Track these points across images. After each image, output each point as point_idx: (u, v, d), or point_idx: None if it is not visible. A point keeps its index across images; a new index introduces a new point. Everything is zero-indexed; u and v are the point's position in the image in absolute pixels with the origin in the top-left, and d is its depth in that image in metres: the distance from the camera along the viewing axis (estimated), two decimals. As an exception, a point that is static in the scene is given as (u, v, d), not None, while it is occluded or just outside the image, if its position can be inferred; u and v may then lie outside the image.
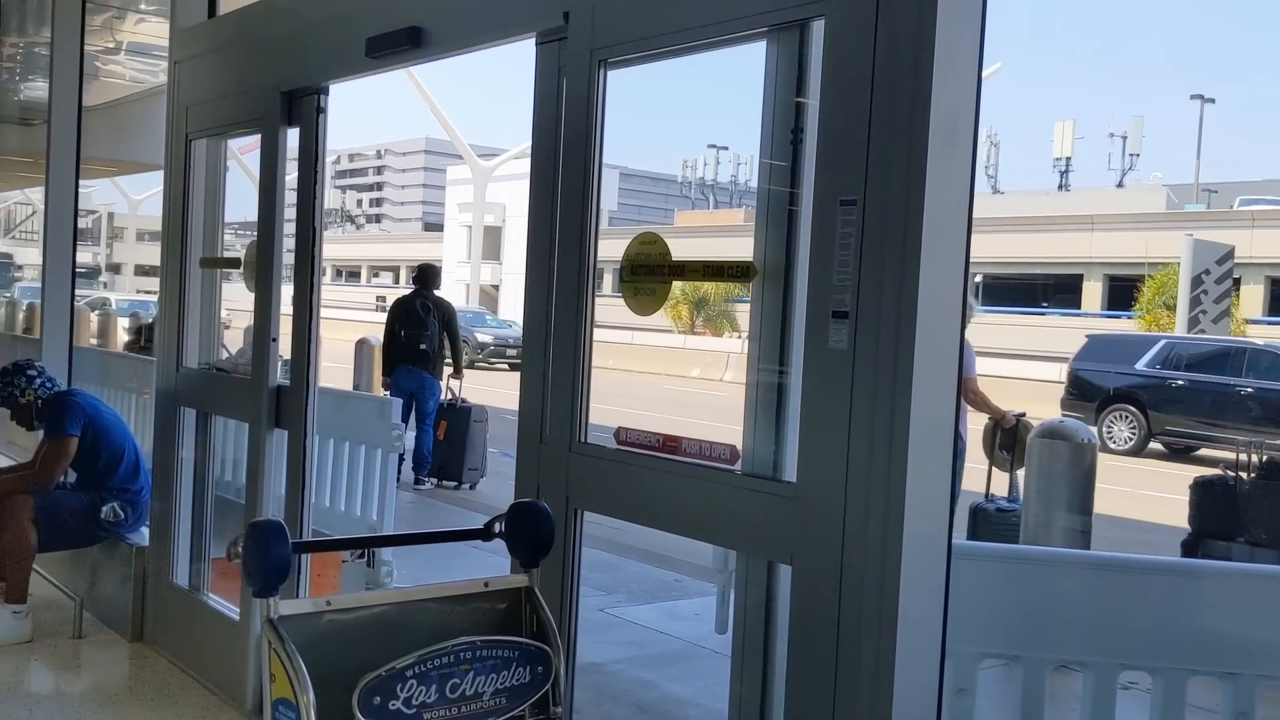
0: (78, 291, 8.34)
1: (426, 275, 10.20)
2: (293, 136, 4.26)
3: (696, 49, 2.76)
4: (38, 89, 11.19)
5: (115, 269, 59.65)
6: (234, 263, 4.66)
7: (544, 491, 3.04)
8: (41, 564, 5.43)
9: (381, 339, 10.32)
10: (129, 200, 54.45)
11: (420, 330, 9.81)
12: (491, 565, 6.55)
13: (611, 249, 3.11)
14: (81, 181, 7.81)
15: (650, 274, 2.86)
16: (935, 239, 2.27)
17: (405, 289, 11.72)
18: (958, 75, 2.30)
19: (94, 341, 18.02)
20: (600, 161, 3.01)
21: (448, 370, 10.13)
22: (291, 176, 4.32)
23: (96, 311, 21.64)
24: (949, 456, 2.39)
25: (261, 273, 4.36)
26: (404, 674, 2.10)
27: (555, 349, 3.09)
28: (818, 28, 2.45)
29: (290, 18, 4.33)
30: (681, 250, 2.86)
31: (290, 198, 4.30)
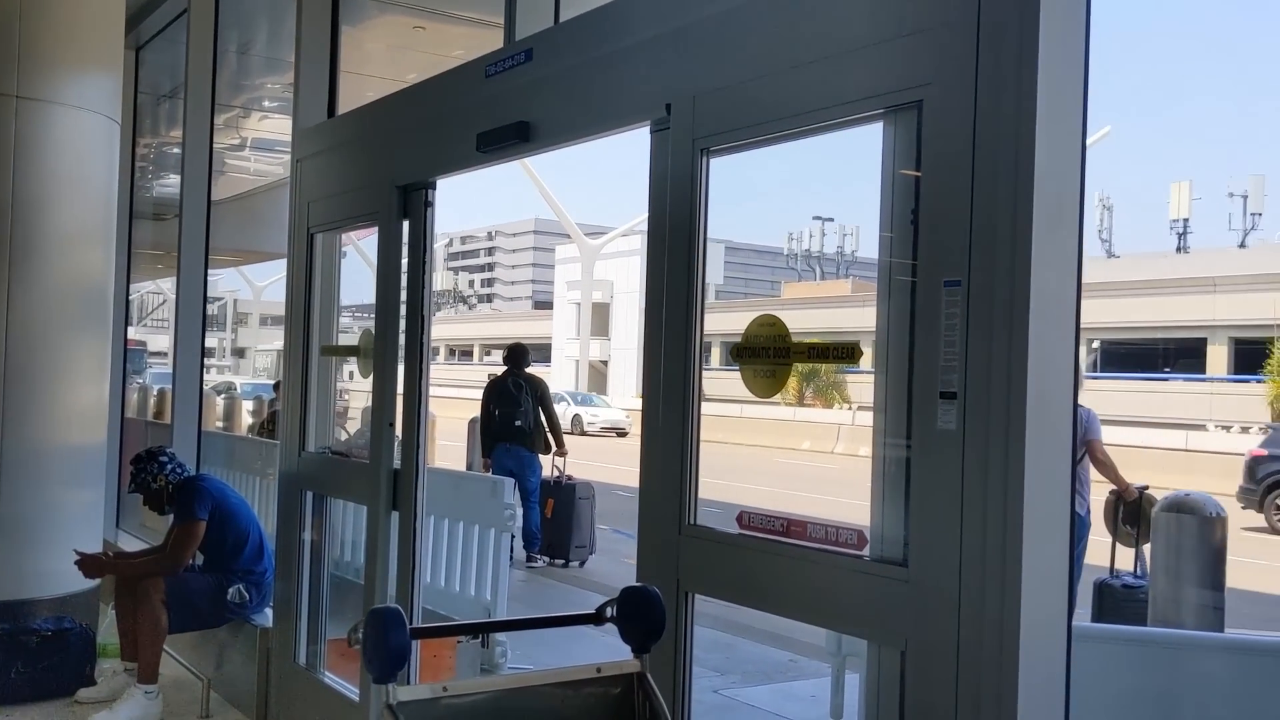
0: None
1: (516, 354, 10.37)
2: (403, 228, 4.43)
3: (797, 135, 2.80)
4: (168, 186, 11.82)
5: (240, 353, 61.99)
6: (353, 350, 4.82)
7: (653, 574, 3.04)
8: (170, 645, 5.61)
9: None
10: (253, 287, 56.81)
11: (514, 408, 9.96)
12: (606, 645, 6.54)
13: (718, 323, 3.12)
14: (209, 270, 8.20)
15: (771, 356, 2.87)
16: (1043, 317, 2.24)
17: (517, 368, 11.91)
18: (1061, 150, 2.28)
19: (219, 425, 18.64)
20: (704, 244, 3.04)
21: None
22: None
23: (222, 395, 22.39)
24: (1065, 536, 2.33)
25: (379, 359, 4.50)
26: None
27: (664, 427, 3.10)
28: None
29: (405, 115, 4.52)
30: (791, 323, 2.85)
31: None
